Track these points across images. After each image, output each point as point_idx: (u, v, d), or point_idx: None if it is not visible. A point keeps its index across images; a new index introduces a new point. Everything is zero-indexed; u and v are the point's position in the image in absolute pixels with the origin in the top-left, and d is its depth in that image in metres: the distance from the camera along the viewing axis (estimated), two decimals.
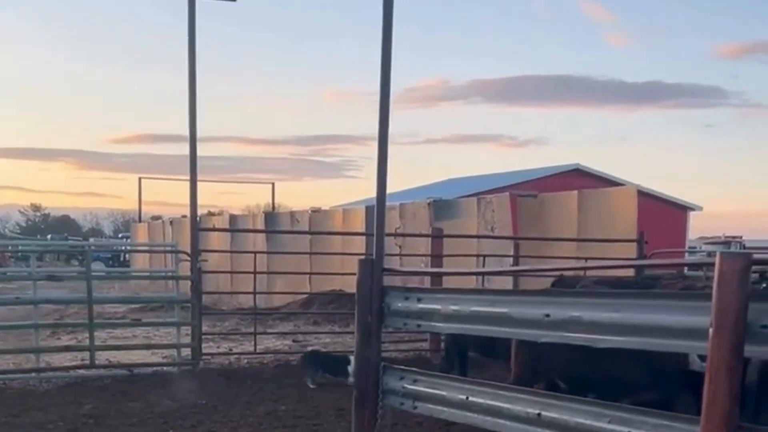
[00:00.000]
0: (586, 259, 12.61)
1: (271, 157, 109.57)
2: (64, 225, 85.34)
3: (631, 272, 12.09)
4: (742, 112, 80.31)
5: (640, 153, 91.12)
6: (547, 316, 5.63)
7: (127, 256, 41.08)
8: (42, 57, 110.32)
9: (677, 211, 34.58)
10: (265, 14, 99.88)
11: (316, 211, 22.76)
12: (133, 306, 18.74)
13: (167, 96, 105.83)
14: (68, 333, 14.28)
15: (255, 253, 13.74)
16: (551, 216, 15.47)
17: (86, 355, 10.67)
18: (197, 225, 11.53)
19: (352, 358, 7.51)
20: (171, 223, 31.22)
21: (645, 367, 6.58)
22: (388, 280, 7.30)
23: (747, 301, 4.42)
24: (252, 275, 13.29)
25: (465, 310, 6.36)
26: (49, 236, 61.23)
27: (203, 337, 11.46)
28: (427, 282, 11.95)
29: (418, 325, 6.99)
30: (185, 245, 12.55)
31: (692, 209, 36.32)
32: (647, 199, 24.69)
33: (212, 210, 49.90)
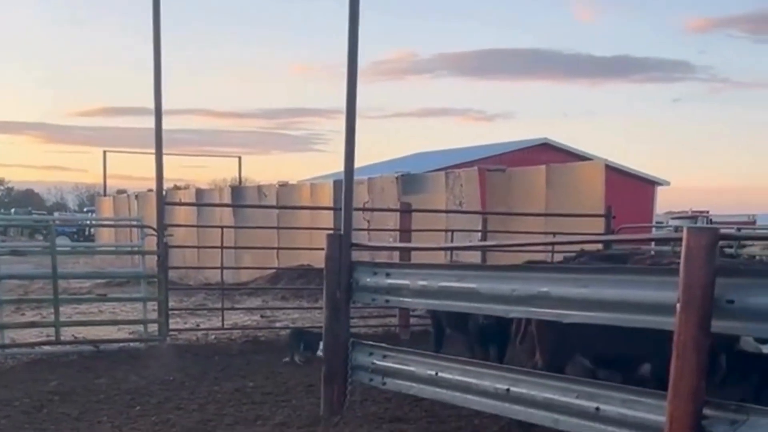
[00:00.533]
0: (554, 234, 12.67)
1: (238, 131, 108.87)
2: (28, 199, 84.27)
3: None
4: (710, 86, 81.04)
5: (607, 127, 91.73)
6: (515, 291, 5.65)
7: (92, 230, 40.67)
8: (4, 28, 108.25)
9: (645, 186, 34.86)
10: None
11: (283, 186, 22.64)
12: (98, 281, 18.48)
13: (132, 68, 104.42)
14: (33, 309, 14.06)
15: (222, 227, 13.62)
16: (519, 190, 15.52)
17: (51, 331, 10.51)
18: (163, 199, 11.38)
19: None
20: (136, 197, 30.88)
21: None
22: (356, 255, 7.29)
23: (714, 276, 4.45)
24: (219, 250, 13.18)
25: (433, 286, 6.37)
26: (12, 210, 60.49)
27: (170, 312, 11.34)
28: (395, 257, 11.92)
29: (387, 301, 7.01)
30: (151, 220, 12.41)
31: (659, 184, 36.63)
32: (615, 173, 24.90)
33: (178, 184, 49.46)
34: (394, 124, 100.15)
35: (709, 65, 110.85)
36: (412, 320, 12.36)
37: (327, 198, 19.15)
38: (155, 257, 11.03)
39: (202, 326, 12.49)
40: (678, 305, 4.49)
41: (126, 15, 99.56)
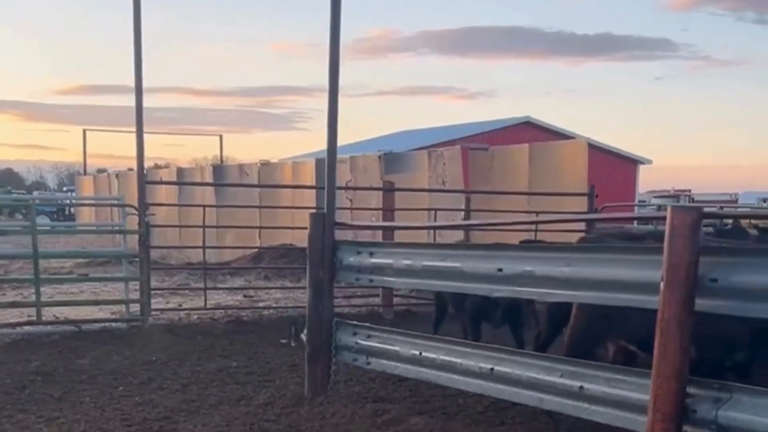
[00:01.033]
0: (537, 213, 12.68)
1: (218, 109, 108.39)
2: (7, 178, 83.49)
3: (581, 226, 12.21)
4: (692, 64, 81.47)
5: (590, 105, 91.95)
6: (500, 270, 5.64)
7: (72, 210, 40.38)
8: None
9: (627, 165, 35.00)
10: None
11: (265, 164, 22.51)
12: (79, 261, 18.38)
13: (112, 46, 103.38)
14: (13, 289, 13.97)
15: (204, 206, 13.53)
16: (502, 169, 15.51)
17: (32, 311, 10.42)
18: (144, 178, 11.28)
19: None
20: (117, 176, 30.69)
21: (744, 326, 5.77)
22: (339, 235, 7.26)
23: (698, 254, 4.45)
24: (200, 230, 13.09)
25: (417, 265, 6.36)
26: None
27: (152, 292, 11.28)
28: (378, 236, 11.90)
29: (371, 280, 7.00)
30: (132, 199, 12.30)
31: (642, 162, 36.77)
32: (597, 152, 24.94)
33: (158, 162, 49.23)
34: (376, 102, 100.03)
35: (690, 43, 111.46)
36: (395, 300, 12.38)
37: (309, 177, 19.06)
38: (136, 237, 10.96)
39: (184, 306, 12.42)
40: (662, 284, 4.49)
41: None
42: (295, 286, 14.50)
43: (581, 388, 5.12)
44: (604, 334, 6.16)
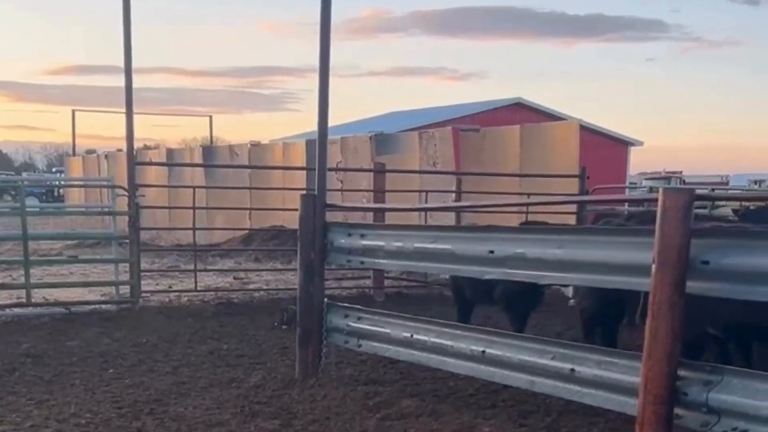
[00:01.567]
0: (528, 194, 12.67)
1: (208, 89, 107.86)
2: None
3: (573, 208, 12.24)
4: (683, 45, 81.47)
5: (581, 87, 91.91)
6: (491, 252, 5.63)
7: (61, 191, 40.18)
8: None
9: (618, 146, 34.99)
10: None
11: (255, 145, 22.41)
12: (68, 243, 18.32)
13: (100, 26, 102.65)
14: (2, 270, 13.93)
15: (194, 187, 13.47)
16: (493, 151, 15.47)
17: (22, 293, 10.40)
18: (134, 159, 11.21)
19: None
20: (106, 157, 30.48)
21: None
22: (330, 216, 7.23)
23: (689, 237, 4.44)
24: (190, 211, 13.04)
25: (408, 247, 6.34)
26: None
27: (142, 274, 11.25)
28: (369, 218, 11.88)
29: (362, 262, 6.99)
30: (121, 180, 12.24)
31: (633, 144, 36.77)
32: (588, 133, 24.89)
33: (148, 143, 48.99)
34: (367, 83, 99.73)
35: (682, 24, 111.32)
36: (386, 282, 12.37)
37: (300, 158, 18.99)
38: (126, 218, 10.92)
39: (174, 288, 12.40)
40: (653, 266, 4.48)
41: None
42: (285, 267, 14.48)
43: (572, 370, 5.12)
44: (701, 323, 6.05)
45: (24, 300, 10.19)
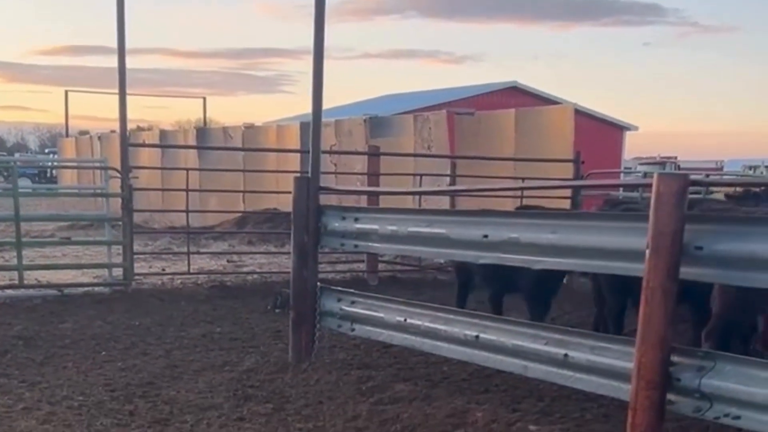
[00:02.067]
0: (523, 179, 12.65)
1: (202, 71, 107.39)
2: None
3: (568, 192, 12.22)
4: (680, 30, 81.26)
5: (577, 71, 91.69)
6: (486, 236, 5.61)
7: (54, 172, 40.02)
8: None
9: (613, 131, 34.89)
10: None
11: (249, 127, 22.33)
12: (60, 224, 18.25)
13: (94, 6, 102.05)
14: None
15: (187, 169, 13.40)
16: (488, 135, 15.42)
17: (14, 275, 10.35)
18: (127, 140, 11.13)
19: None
20: (99, 138, 30.36)
21: None
22: (324, 200, 7.20)
23: (683, 222, 4.43)
24: (183, 193, 12.98)
25: (403, 231, 6.32)
26: None
27: (135, 256, 11.22)
28: (363, 201, 11.85)
29: (356, 246, 6.96)
30: (114, 161, 12.19)
31: (628, 129, 36.68)
32: (583, 118, 24.86)
33: (141, 125, 48.75)
34: (361, 65, 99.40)
35: (679, 8, 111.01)
36: (380, 266, 12.35)
37: (294, 140, 18.91)
38: (119, 200, 10.88)
39: (167, 271, 12.37)
40: (647, 251, 4.47)
41: None
42: (279, 251, 14.45)
43: (566, 355, 5.12)
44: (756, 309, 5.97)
45: (16, 282, 10.14)
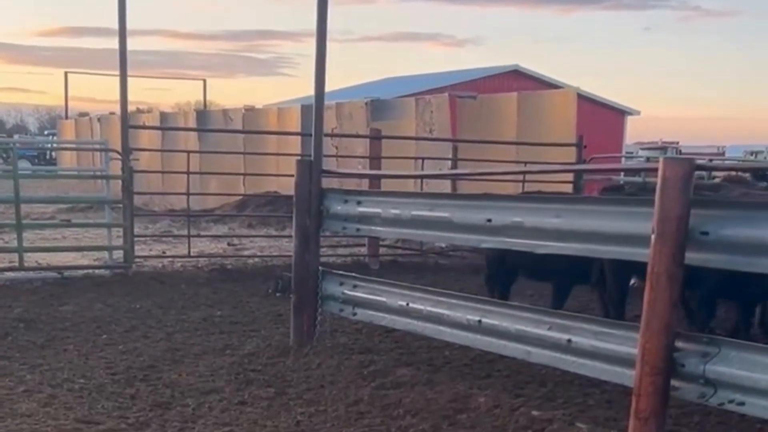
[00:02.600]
0: (525, 163, 12.59)
1: (202, 53, 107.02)
2: None
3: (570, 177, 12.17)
4: (681, 14, 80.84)
5: (578, 55, 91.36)
6: (489, 221, 5.57)
7: (53, 154, 39.91)
8: None
9: (615, 115, 34.74)
10: None
11: (250, 110, 22.22)
12: (60, 206, 18.21)
13: None
14: None
15: (188, 152, 13.34)
16: (491, 118, 15.34)
17: (14, 257, 10.32)
18: (128, 122, 11.07)
19: None
20: (99, 120, 30.27)
21: None
22: (325, 183, 7.15)
23: (689, 207, 4.39)
24: (183, 176, 12.91)
25: (406, 215, 6.28)
26: None
27: (135, 239, 11.17)
28: (363, 184, 11.79)
29: (358, 230, 6.93)
30: (114, 143, 12.15)
31: (630, 113, 36.54)
32: (585, 102, 24.70)
33: (141, 107, 48.48)
34: (361, 48, 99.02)
35: None
36: (381, 250, 12.31)
37: (295, 123, 18.84)
38: (119, 182, 10.84)
39: (168, 254, 12.33)
40: (652, 236, 4.43)
41: None
42: (280, 234, 14.40)
43: (569, 341, 5.09)
44: None
45: (16, 264, 10.10)
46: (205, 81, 43.89)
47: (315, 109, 7.01)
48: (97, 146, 15.27)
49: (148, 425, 5.13)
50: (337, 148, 16.65)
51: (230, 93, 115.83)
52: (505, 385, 6.13)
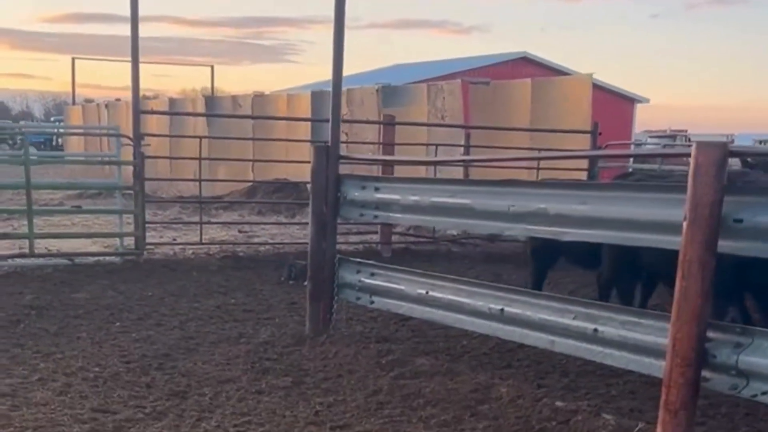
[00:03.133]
0: (539, 149, 12.44)
1: (207, 39, 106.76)
2: None
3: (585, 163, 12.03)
4: (688, 2, 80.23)
5: (584, 42, 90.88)
6: (512, 207, 5.45)
7: (59, 140, 39.83)
8: None
9: (624, 103, 34.53)
10: None
11: (259, 96, 22.07)
12: (68, 192, 18.13)
13: None
14: (3, 220, 13.74)
15: (200, 137, 13.22)
16: (503, 105, 15.15)
17: (24, 243, 10.22)
18: (139, 107, 10.94)
19: None
20: (107, 106, 30.20)
21: None
22: (340, 169, 7.03)
23: (722, 193, 4.26)
24: (193, 162, 12.80)
25: (425, 201, 6.17)
26: None
27: (146, 226, 11.06)
28: (373, 171, 11.65)
29: (375, 216, 6.81)
30: (123, 129, 12.05)
31: (639, 101, 36.30)
32: (594, 90, 24.44)
33: (147, 93, 48.38)
34: (368, 35, 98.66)
35: None
36: (393, 237, 12.19)
37: (305, 109, 18.69)
38: (129, 169, 10.73)
39: (179, 241, 12.23)
40: (684, 224, 4.31)
41: None
42: (290, 221, 14.34)
43: (595, 330, 4.97)
44: None
45: (26, 250, 10.01)
46: (212, 67, 43.90)
47: (333, 94, 6.89)
48: (111, 132, 15.07)
49: (165, 415, 5.03)
50: (347, 134, 16.49)
51: (235, 79, 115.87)
52: (527, 374, 6.03)
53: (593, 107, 14.11)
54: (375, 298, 6.67)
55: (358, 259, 7.11)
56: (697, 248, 4.30)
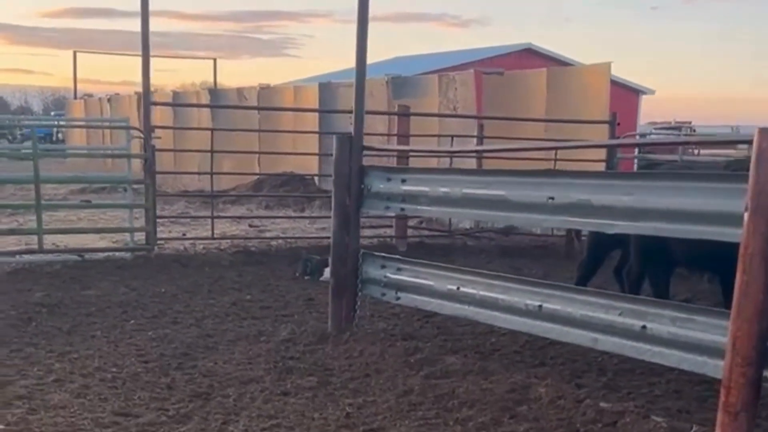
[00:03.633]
0: (556, 140, 12.15)
1: (207, 34, 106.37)
2: None
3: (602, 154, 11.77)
4: None
5: (584, 34, 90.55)
6: (551, 199, 5.19)
7: (60, 135, 39.55)
8: None
9: (629, 95, 34.24)
10: None
11: (265, 88, 21.76)
12: (72, 187, 17.84)
13: None
14: (8, 216, 13.45)
15: (212, 129, 12.96)
16: (517, 95, 14.83)
17: (32, 238, 9.95)
18: (149, 100, 10.65)
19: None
20: (109, 100, 29.93)
21: None
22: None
23: None
24: (198, 155, 12.52)
25: (456, 193, 5.90)
26: None
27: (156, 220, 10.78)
28: (385, 162, 11.36)
29: (402, 209, 6.56)
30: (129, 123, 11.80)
31: (644, 93, 36.02)
32: None
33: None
34: (368, 28, 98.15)
35: None
36: (408, 231, 11.90)
37: (312, 102, 18.38)
38: (137, 162, 10.48)
39: (188, 235, 11.96)
40: (746, 214, 4.04)
41: None
42: (299, 215, 14.07)
43: (644, 327, 4.71)
44: None
45: (35, 246, 9.73)
46: (215, 60, 43.44)
47: (356, 84, 6.66)
48: (121, 124, 14.77)
49: (189, 418, 4.77)
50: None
51: (235, 74, 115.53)
52: (563, 373, 5.77)
53: None
54: (401, 294, 6.41)
55: (384, 254, 6.85)
56: (760, 239, 4.02)
